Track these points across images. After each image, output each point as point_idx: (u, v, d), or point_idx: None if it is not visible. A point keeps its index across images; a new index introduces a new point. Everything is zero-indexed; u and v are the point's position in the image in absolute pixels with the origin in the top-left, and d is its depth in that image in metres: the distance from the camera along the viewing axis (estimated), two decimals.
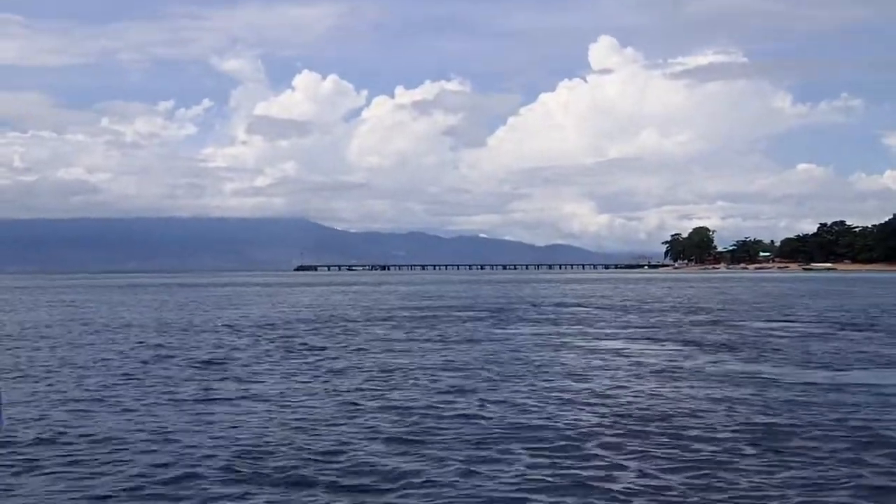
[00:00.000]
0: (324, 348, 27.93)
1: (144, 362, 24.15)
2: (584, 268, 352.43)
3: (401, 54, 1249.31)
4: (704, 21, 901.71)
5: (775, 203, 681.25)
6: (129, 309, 53.64)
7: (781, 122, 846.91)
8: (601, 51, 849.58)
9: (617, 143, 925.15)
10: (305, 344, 29.42)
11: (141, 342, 30.44)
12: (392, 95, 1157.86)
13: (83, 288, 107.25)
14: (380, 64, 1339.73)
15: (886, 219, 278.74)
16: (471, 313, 47.17)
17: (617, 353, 26.34)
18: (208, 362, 24.02)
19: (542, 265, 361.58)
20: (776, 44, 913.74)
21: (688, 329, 36.09)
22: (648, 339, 31.46)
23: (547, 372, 21.76)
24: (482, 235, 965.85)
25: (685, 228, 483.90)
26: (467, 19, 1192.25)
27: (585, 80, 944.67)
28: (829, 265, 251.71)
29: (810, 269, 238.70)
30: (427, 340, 30.60)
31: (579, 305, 56.69)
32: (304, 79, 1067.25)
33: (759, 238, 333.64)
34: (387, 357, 25.37)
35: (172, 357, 25.41)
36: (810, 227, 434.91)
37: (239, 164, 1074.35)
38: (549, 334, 33.48)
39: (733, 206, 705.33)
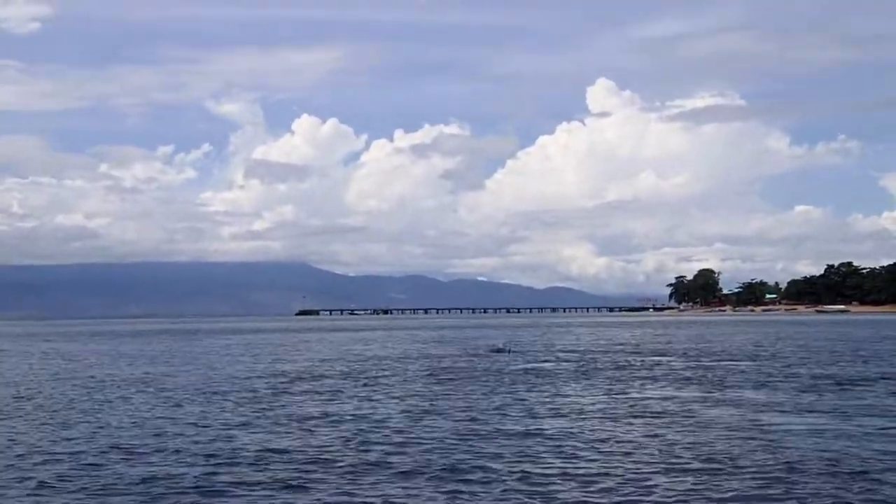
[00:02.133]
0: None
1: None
2: (587, 311, 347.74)
3: (399, 98, 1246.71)
4: (701, 63, 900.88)
5: (773, 245, 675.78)
6: (162, 362, 48.34)
7: (778, 164, 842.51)
8: (599, 93, 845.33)
9: (615, 186, 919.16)
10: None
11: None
12: (391, 139, 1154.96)
13: (105, 336, 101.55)
14: (378, 108, 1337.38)
15: (893, 261, 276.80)
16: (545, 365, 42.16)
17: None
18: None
19: (545, 308, 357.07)
20: (772, 85, 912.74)
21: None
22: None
23: None
24: (481, 279, 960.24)
25: (684, 271, 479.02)
26: (465, 63, 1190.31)
27: (584, 123, 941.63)
28: (842, 307, 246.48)
29: (823, 312, 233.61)
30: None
31: (660, 354, 51.16)
32: (302, 122, 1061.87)
33: (758, 280, 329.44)
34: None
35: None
36: (808, 269, 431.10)
37: (237, 209, 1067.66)
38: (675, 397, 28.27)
39: (731, 247, 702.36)
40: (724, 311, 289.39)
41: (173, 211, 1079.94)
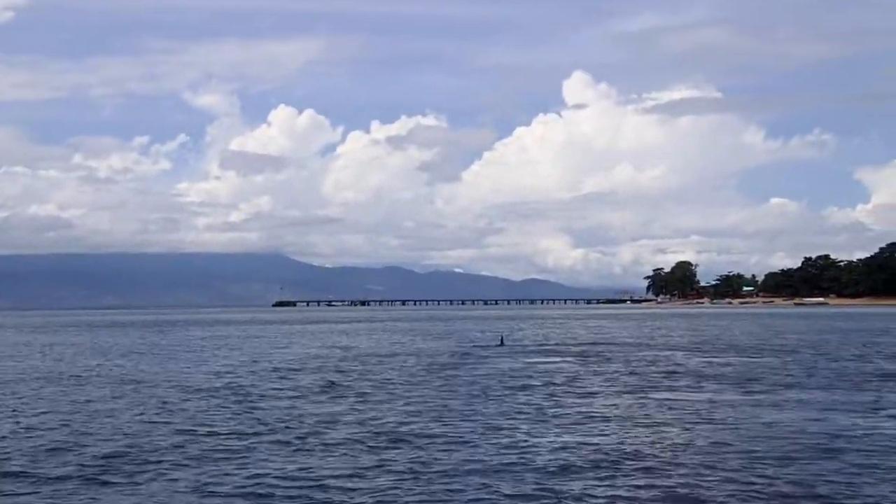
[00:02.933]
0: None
1: None
2: (565, 303, 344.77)
3: (377, 90, 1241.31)
4: (678, 57, 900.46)
5: (748, 237, 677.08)
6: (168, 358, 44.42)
7: (754, 157, 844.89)
8: (575, 86, 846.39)
9: (592, 178, 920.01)
10: None
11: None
12: (368, 130, 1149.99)
13: (81, 328, 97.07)
14: (356, 99, 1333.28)
15: (870, 253, 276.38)
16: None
17: None
18: None
19: (522, 300, 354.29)
20: (749, 79, 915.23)
21: None
22: None
23: None
24: (458, 270, 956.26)
25: (660, 263, 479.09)
26: (445, 55, 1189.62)
27: (560, 116, 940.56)
28: (820, 300, 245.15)
29: (802, 304, 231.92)
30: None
31: (670, 348, 47.64)
32: (279, 113, 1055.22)
33: (735, 272, 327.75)
34: None
35: None
36: (783, 262, 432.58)
37: (213, 199, 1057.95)
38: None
39: (707, 240, 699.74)
40: (702, 303, 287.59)
41: (149, 202, 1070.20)
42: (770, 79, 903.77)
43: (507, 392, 25.00)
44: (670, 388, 26.13)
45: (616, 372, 32.00)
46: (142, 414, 20.84)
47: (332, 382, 28.00)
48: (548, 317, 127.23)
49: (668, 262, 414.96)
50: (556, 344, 51.72)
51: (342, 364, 36.51)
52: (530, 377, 29.55)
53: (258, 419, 19.59)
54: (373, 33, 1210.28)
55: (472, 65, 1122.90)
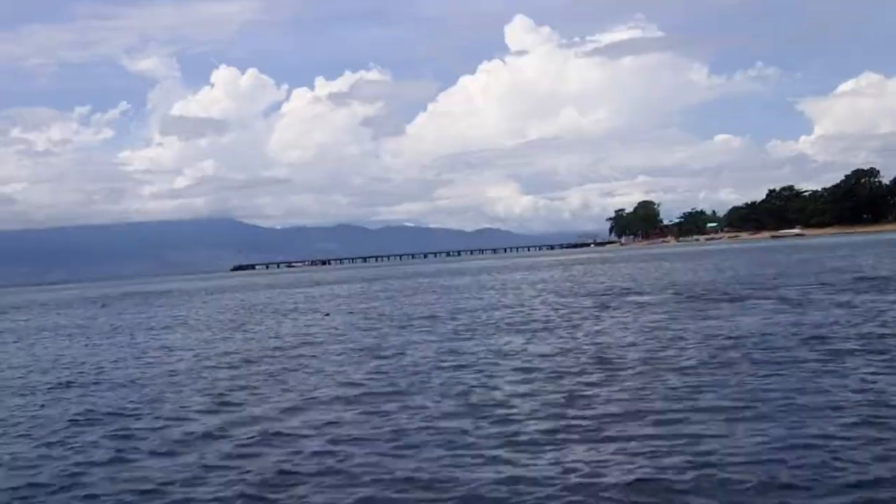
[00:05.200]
0: None
1: None
2: (528, 250, 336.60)
3: (320, 46, 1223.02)
4: None
5: (695, 175, 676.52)
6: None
7: (698, 94, 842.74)
8: (517, 31, 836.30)
9: (537, 124, 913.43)
10: None
11: None
12: (313, 88, 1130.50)
13: (32, 309, 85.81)
14: (299, 57, 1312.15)
15: (821, 185, 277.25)
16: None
17: None
18: None
19: (475, 251, 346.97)
20: (691, 17, 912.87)
21: None
22: None
23: None
24: (409, 224, 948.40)
25: (608, 206, 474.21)
26: (385, 8, 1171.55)
27: (504, 62, 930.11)
28: (797, 231, 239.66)
29: (778, 237, 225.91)
30: None
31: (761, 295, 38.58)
32: (221, 75, 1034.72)
33: (698, 209, 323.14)
34: None
35: None
36: (730, 197, 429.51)
37: (157, 166, 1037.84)
38: None
39: (654, 179, 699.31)
40: (668, 242, 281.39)
41: (91, 172, 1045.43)
42: (710, 15, 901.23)
43: None
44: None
45: None
46: None
47: None
48: (538, 265, 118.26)
49: (615, 204, 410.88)
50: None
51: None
52: None
53: None
54: None
55: (414, 15, 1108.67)
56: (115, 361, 24.84)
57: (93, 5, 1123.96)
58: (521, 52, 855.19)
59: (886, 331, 20.66)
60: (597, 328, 25.42)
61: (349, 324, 33.13)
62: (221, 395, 17.25)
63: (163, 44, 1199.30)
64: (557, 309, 33.68)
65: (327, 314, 39.57)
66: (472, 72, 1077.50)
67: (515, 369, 18.16)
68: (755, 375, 15.63)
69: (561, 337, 23.56)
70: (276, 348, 25.50)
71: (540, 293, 45.55)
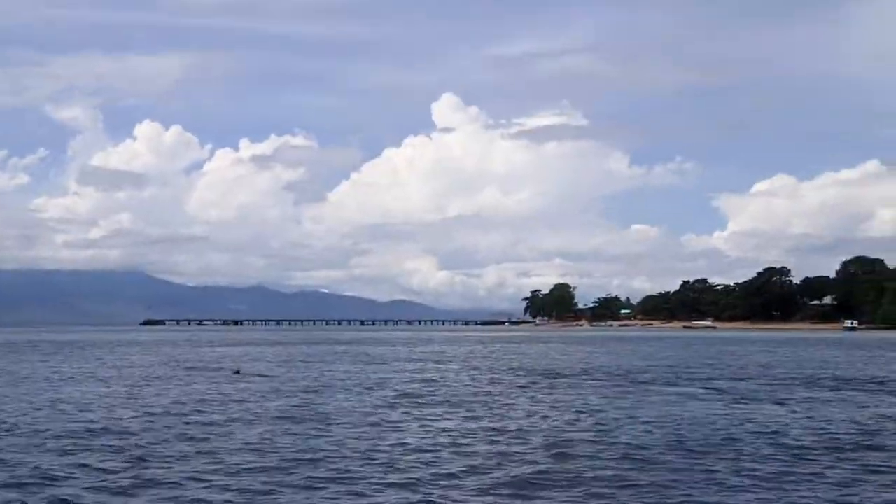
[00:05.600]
0: None
1: None
2: (443, 324, 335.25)
3: (248, 108, 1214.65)
4: (547, 83, 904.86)
5: (610, 261, 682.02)
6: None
7: (618, 183, 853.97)
8: (444, 109, 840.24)
9: (459, 200, 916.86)
10: None
11: None
12: (237, 149, 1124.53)
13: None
14: (225, 117, 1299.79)
15: (732, 281, 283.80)
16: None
17: None
18: None
19: (389, 321, 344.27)
20: (614, 107, 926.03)
21: None
22: None
23: None
24: (323, 290, 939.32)
25: (524, 285, 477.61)
26: (316, 75, 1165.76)
27: (430, 138, 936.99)
28: (709, 323, 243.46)
29: (691, 328, 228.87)
30: None
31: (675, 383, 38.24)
32: (144, 129, 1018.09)
33: (613, 295, 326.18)
34: None
35: None
36: (643, 286, 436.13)
37: (72, 216, 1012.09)
38: None
39: (570, 263, 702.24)
40: (582, 325, 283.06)
41: (3, 217, 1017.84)
42: (634, 107, 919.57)
43: None
44: None
45: None
46: None
47: None
48: (458, 339, 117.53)
49: (531, 284, 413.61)
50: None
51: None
52: None
53: None
54: (245, 50, 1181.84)
55: (345, 84, 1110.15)
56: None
57: (23, 51, 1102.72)
58: (447, 129, 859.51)
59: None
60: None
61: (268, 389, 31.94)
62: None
63: (88, 94, 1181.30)
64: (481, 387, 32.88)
65: (237, 371, 38.20)
66: (398, 145, 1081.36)
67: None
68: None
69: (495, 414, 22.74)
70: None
71: (465, 368, 44.73)
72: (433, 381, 35.85)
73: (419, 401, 26.30)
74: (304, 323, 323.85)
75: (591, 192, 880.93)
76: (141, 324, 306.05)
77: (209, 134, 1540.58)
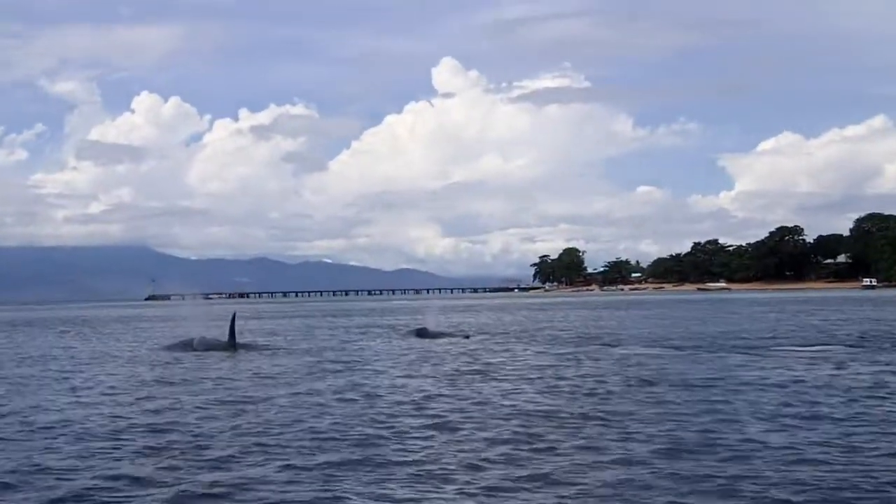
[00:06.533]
0: None
1: None
2: (451, 292, 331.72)
3: (245, 78, 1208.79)
4: (547, 46, 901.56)
5: (616, 225, 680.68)
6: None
7: (621, 146, 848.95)
8: (444, 74, 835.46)
9: (461, 167, 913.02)
10: None
11: None
12: (236, 119, 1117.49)
13: None
14: (223, 88, 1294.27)
15: (742, 241, 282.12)
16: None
17: None
18: None
19: (407, 290, 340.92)
20: (616, 69, 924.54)
21: None
22: None
23: None
24: (327, 261, 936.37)
25: (529, 251, 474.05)
26: (314, 43, 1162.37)
27: (431, 104, 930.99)
28: (723, 285, 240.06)
29: (705, 290, 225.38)
30: None
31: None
32: (142, 101, 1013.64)
33: (623, 258, 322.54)
34: None
35: None
36: (650, 249, 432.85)
37: (72, 191, 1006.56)
38: None
39: (575, 227, 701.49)
40: (592, 290, 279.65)
41: (1, 194, 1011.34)
42: (636, 68, 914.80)
43: None
44: None
45: None
46: None
47: None
48: (469, 306, 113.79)
49: (536, 250, 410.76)
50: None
51: None
52: None
53: None
54: (239, 19, 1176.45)
55: (343, 52, 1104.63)
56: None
57: (9, 25, 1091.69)
58: (448, 95, 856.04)
59: None
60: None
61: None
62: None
63: (82, 67, 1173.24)
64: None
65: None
66: (399, 111, 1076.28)
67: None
68: None
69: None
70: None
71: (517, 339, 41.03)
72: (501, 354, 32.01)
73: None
74: (310, 294, 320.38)
75: (595, 154, 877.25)
76: (145, 299, 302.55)
77: (208, 105, 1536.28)
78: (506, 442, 14.16)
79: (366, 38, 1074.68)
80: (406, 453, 13.44)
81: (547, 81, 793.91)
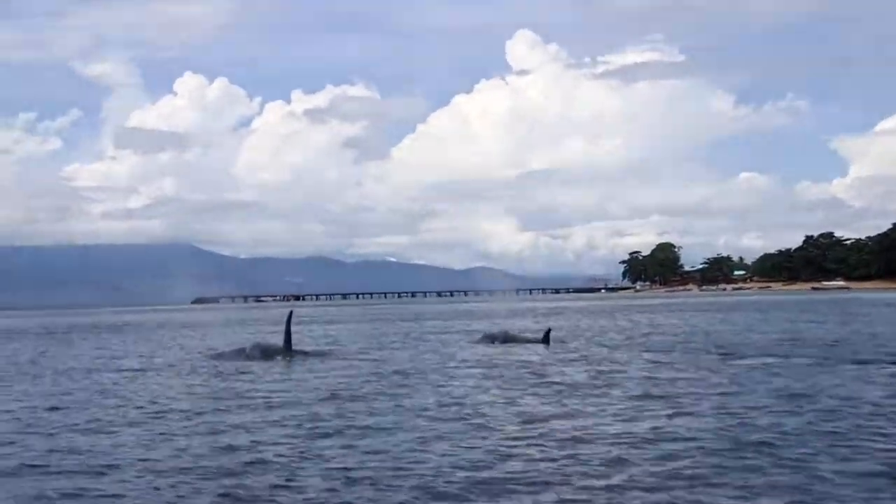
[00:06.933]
0: None
1: None
2: (530, 293, 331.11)
3: (298, 56, 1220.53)
4: (636, 15, 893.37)
5: (715, 216, 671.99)
6: None
7: (721, 127, 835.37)
8: (520, 48, 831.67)
9: (540, 153, 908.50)
10: None
11: None
12: (288, 102, 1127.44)
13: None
14: (274, 67, 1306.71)
15: (861, 235, 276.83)
16: None
17: None
18: None
19: (481, 291, 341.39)
20: (715, 40, 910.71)
21: None
22: None
23: None
24: (391, 259, 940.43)
25: (617, 247, 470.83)
26: (372, 17, 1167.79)
27: (504, 81, 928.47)
28: (841, 284, 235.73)
29: (820, 289, 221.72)
30: None
31: None
32: (186, 83, 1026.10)
33: (724, 254, 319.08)
34: None
35: None
36: (753, 243, 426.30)
37: (110, 183, 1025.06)
38: None
39: (669, 220, 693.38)
40: (690, 290, 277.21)
41: (34, 187, 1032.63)
42: (738, 39, 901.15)
43: None
44: None
45: None
46: None
47: None
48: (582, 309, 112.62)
49: (625, 245, 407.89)
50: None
51: None
52: None
53: None
54: None
55: (405, 26, 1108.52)
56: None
57: (42, 2, 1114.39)
58: (524, 72, 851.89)
59: None
60: None
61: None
62: None
63: (121, 47, 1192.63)
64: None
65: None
66: (468, 91, 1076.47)
67: None
68: None
69: None
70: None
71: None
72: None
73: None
74: (373, 296, 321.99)
75: (691, 137, 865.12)
76: (192, 302, 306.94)
77: (258, 86, 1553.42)
78: None
79: (431, 10, 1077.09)
80: None
81: (635, 55, 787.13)
